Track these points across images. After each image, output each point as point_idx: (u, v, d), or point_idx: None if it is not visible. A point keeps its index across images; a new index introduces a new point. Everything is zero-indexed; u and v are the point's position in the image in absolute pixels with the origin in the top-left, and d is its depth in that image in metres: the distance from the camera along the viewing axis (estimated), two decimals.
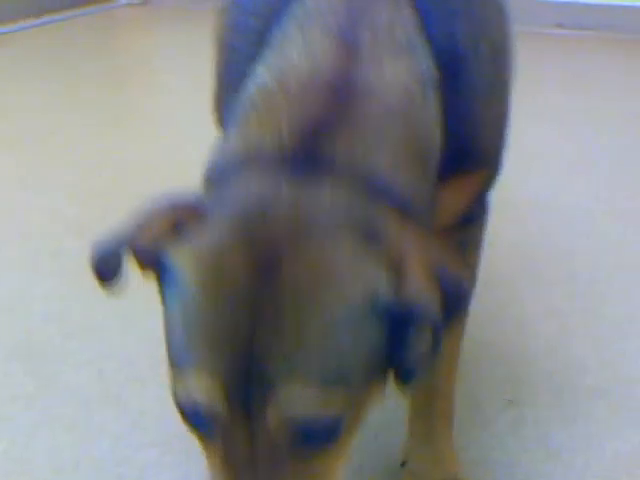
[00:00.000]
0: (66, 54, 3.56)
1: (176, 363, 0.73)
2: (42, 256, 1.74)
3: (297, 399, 0.68)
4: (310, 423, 0.69)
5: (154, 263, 0.75)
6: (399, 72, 0.83)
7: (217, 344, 0.69)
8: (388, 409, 1.21)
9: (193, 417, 0.72)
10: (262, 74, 0.84)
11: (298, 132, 0.76)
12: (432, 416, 1.13)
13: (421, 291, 0.71)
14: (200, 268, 0.71)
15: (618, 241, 1.83)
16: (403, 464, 1.14)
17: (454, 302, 0.74)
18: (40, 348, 1.42)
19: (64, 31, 3.98)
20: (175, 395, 0.72)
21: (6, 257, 1.75)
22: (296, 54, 0.83)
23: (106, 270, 0.78)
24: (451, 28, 0.90)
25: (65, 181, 2.17)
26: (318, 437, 0.71)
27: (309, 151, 0.75)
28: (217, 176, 0.79)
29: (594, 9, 3.88)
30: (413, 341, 0.73)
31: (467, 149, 0.93)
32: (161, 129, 2.60)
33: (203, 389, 0.69)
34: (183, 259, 0.72)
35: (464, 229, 1.05)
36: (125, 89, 3.13)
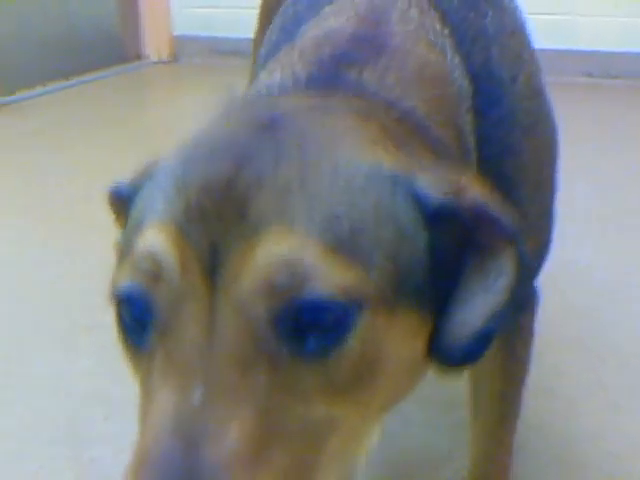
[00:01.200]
0: (96, 117, 3.59)
1: (124, 249, 0.61)
2: (80, 331, 1.73)
3: (289, 247, 0.53)
4: (302, 295, 0.52)
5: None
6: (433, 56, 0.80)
7: (182, 195, 0.57)
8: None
9: (134, 306, 0.57)
10: (309, 30, 0.86)
11: (332, 65, 0.75)
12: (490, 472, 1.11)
13: (486, 195, 0.61)
14: (190, 141, 0.64)
15: None
16: None
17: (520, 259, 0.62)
18: (82, 431, 1.40)
19: (94, 93, 4.02)
20: (114, 284, 0.59)
21: (43, 333, 1.74)
22: (344, 19, 0.83)
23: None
24: (487, 52, 0.85)
25: (99, 250, 2.16)
26: (314, 326, 0.53)
27: (337, 77, 0.73)
28: None
29: (623, 57, 3.87)
30: (472, 277, 0.61)
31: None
32: None
33: (155, 240, 0.56)
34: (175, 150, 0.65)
35: (514, 318, 1.01)
36: (156, 152, 3.13)
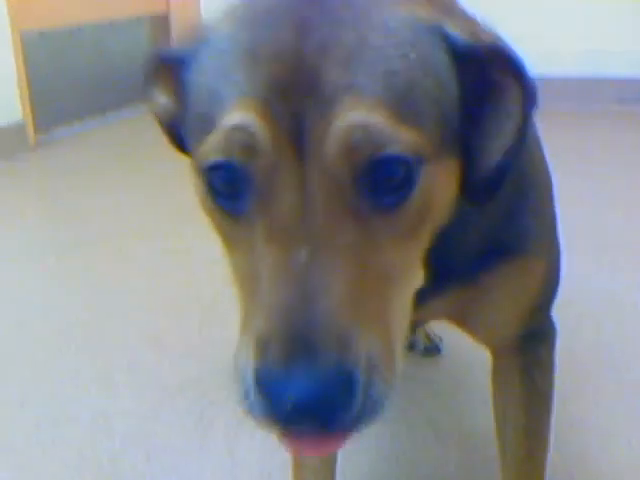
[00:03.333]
0: (132, 153, 3.65)
1: (203, 122, 0.65)
2: (118, 371, 1.75)
3: (360, 113, 0.60)
4: (377, 154, 0.60)
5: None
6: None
7: (259, 67, 0.62)
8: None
9: (229, 174, 0.63)
10: None
11: None
12: None
13: (498, 40, 0.69)
14: (242, 18, 0.67)
15: None
16: None
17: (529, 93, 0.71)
18: (124, 472, 1.41)
19: (130, 128, 4.08)
20: (202, 157, 0.64)
21: (83, 374, 1.76)
22: None
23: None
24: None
25: (137, 289, 2.19)
26: (388, 182, 0.62)
27: None
28: None
29: None
30: (489, 123, 0.70)
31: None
32: None
33: (247, 116, 0.61)
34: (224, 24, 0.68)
35: (531, 350, 1.03)
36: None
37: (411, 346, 1.76)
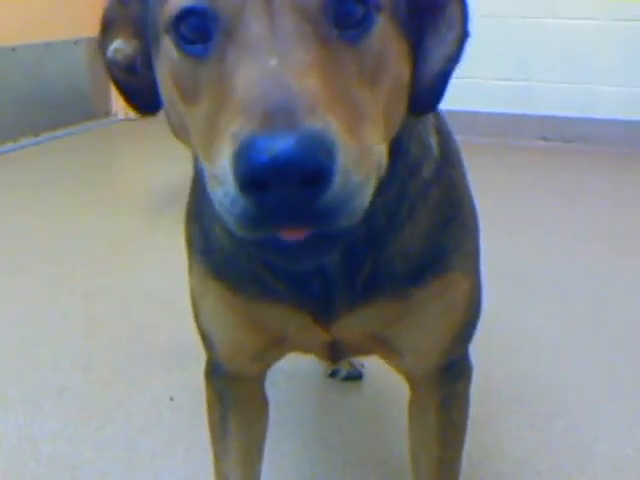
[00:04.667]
0: (65, 173, 3.64)
1: None
2: (47, 393, 1.76)
3: None
4: None
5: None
6: None
7: None
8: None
9: (198, 18, 0.69)
10: None
11: None
12: None
13: None
14: None
15: (608, 372, 1.86)
16: None
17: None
18: None
19: (63, 148, 4.08)
20: (172, 7, 0.70)
21: (9, 395, 1.76)
22: None
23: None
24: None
25: (68, 313, 2.20)
26: (351, 17, 0.69)
27: None
28: None
29: (577, 122, 4.02)
30: (432, 35, 0.79)
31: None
32: (159, 254, 2.58)
33: None
34: None
35: (449, 385, 1.08)
36: (123, 213, 3.15)
37: (333, 372, 1.82)
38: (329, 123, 0.61)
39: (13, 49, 3.95)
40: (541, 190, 3.39)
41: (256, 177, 0.59)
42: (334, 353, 1.07)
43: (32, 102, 4.10)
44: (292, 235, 0.65)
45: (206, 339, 1.05)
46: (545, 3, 3.91)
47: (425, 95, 0.81)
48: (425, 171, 0.92)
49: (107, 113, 4.71)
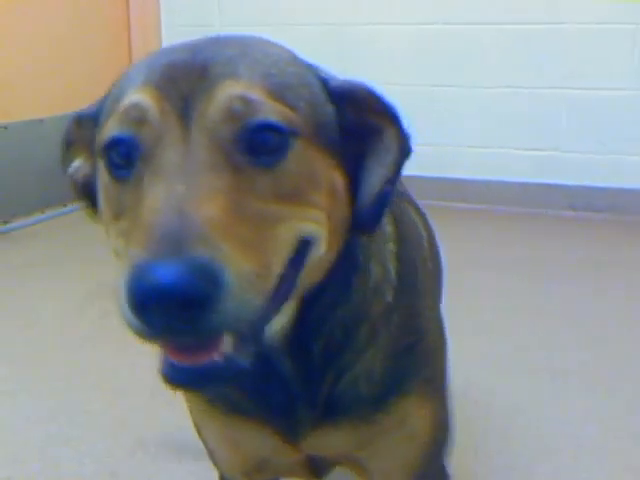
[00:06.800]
0: (92, 245, 3.59)
1: (106, 117, 0.79)
2: None
3: (239, 87, 0.73)
4: (253, 119, 0.72)
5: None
6: None
7: (156, 69, 0.76)
8: None
9: (123, 146, 0.74)
10: None
11: None
12: None
13: (367, 90, 0.83)
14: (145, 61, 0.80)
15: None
16: None
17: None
18: None
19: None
20: (103, 137, 0.76)
21: None
22: None
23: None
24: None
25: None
26: (264, 144, 0.72)
27: None
28: None
29: (605, 192, 3.98)
30: (370, 157, 0.83)
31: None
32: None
33: (139, 96, 0.74)
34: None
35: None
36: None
37: None
38: (219, 249, 0.64)
39: (41, 121, 3.98)
40: (568, 261, 3.32)
41: (137, 301, 0.63)
42: (316, 469, 1.08)
43: (58, 172, 4.07)
44: (183, 360, 0.69)
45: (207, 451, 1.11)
46: (573, 74, 3.89)
47: (366, 214, 0.84)
48: (388, 295, 0.94)
49: None
